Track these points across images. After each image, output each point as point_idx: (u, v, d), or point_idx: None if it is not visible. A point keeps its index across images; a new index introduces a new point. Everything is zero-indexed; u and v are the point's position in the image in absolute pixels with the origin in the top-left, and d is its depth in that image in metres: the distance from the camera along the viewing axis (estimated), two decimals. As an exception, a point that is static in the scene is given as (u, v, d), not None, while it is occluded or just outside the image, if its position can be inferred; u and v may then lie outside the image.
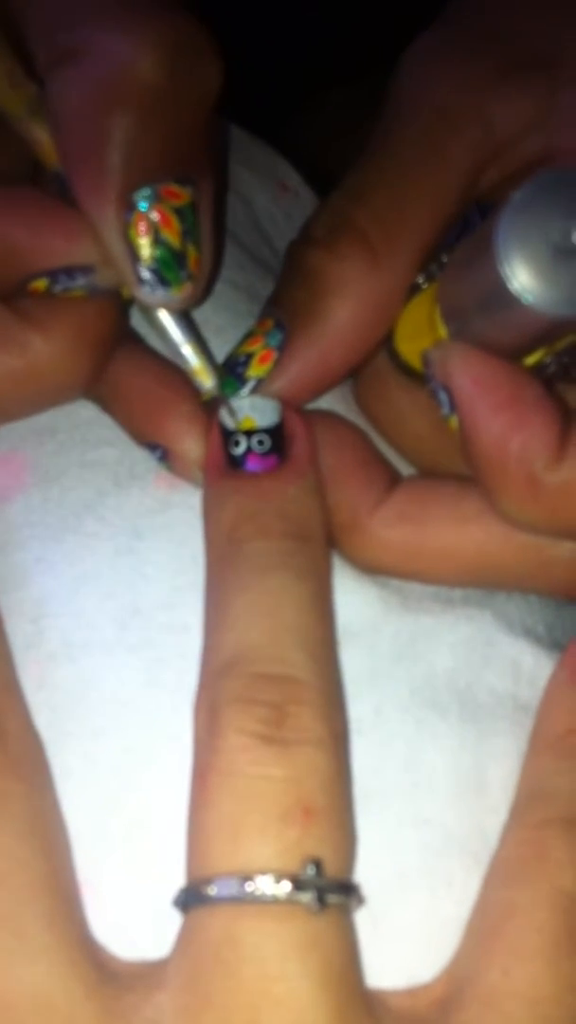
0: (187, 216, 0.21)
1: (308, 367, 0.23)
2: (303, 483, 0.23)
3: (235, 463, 0.23)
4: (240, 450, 0.23)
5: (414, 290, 0.23)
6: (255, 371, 0.23)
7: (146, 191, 0.20)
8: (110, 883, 0.21)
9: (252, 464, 0.23)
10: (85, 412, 0.25)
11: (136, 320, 0.25)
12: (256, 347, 0.24)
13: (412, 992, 0.20)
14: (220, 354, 0.25)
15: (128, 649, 0.22)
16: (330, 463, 0.23)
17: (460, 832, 0.22)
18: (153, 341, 0.25)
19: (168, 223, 0.21)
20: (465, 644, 0.24)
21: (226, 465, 0.23)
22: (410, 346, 0.24)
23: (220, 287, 0.27)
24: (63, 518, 0.24)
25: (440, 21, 0.24)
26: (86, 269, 0.21)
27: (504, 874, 0.21)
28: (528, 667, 0.24)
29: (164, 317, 0.23)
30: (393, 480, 0.23)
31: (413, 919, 0.21)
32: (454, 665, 0.23)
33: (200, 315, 0.26)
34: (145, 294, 0.21)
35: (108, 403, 0.24)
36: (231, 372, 0.24)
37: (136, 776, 0.21)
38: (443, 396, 0.22)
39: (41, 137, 0.22)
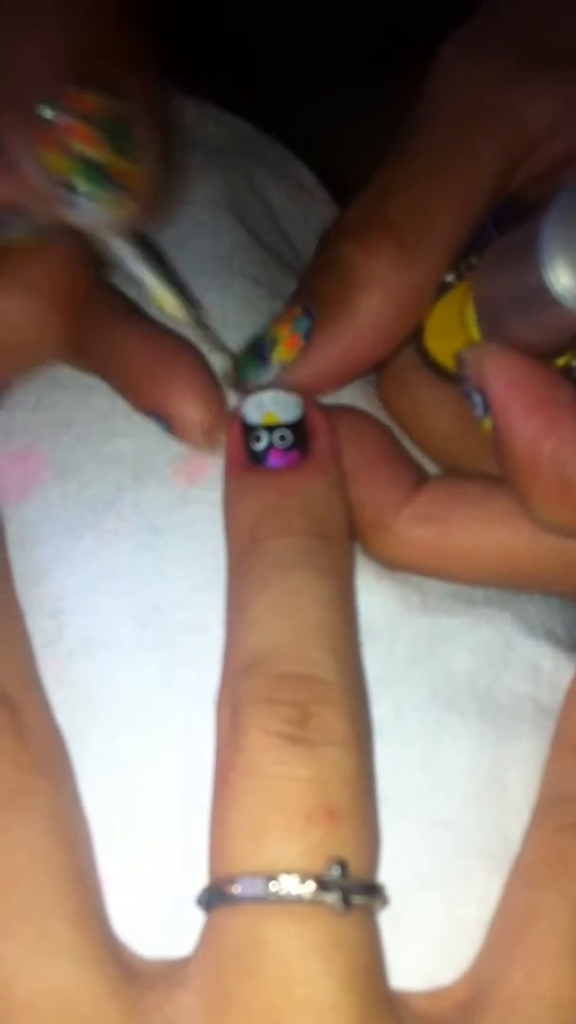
0: (116, 129, 0.20)
1: (333, 357, 0.23)
2: (325, 479, 0.23)
3: (256, 458, 0.23)
4: (262, 445, 0.23)
5: (443, 288, 0.23)
6: (280, 355, 0.23)
7: (46, 103, 0.19)
8: (127, 881, 0.21)
9: (274, 460, 0.23)
10: (99, 403, 0.24)
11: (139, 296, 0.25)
12: (283, 332, 0.23)
13: (434, 994, 0.20)
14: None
15: (146, 648, 0.22)
16: (355, 460, 0.23)
17: (480, 834, 0.22)
18: (153, 312, 0.24)
19: (82, 135, 0.20)
20: (485, 646, 0.23)
21: (247, 460, 0.23)
22: (440, 344, 0.24)
23: (240, 282, 0.27)
24: (81, 514, 0.23)
25: (472, 19, 0.24)
26: (18, 212, 0.21)
27: (526, 877, 0.21)
28: (548, 670, 0.24)
29: (115, 243, 0.21)
30: (419, 479, 0.23)
31: (433, 921, 0.21)
32: (474, 667, 0.23)
33: (220, 312, 0.26)
34: (70, 212, 0.20)
35: (107, 372, 0.24)
36: (257, 354, 0.23)
37: (153, 775, 0.21)
38: (476, 398, 0.21)
39: None
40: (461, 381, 0.22)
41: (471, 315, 0.23)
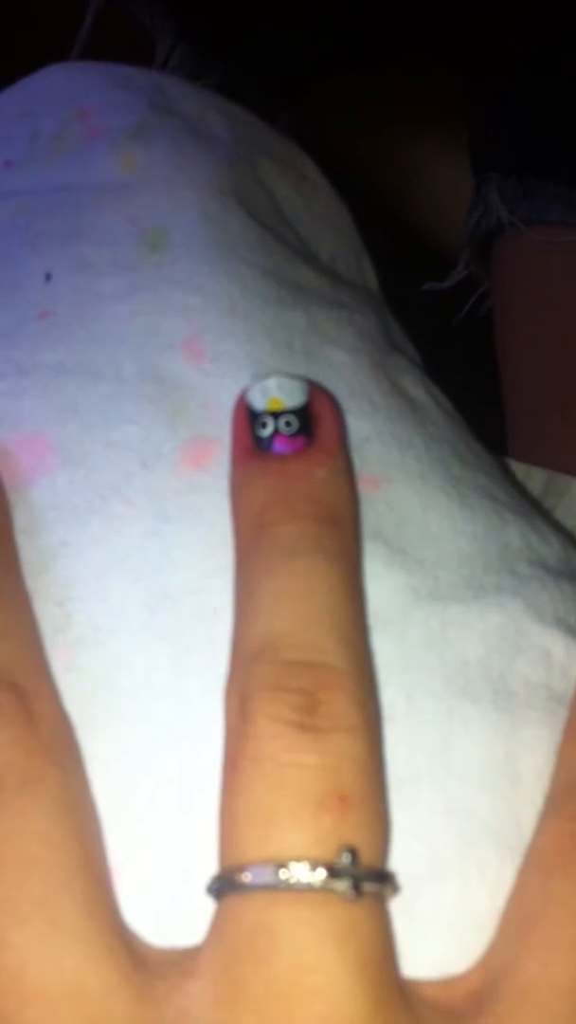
0: None
1: None
2: (332, 464, 0.23)
3: (262, 445, 0.23)
4: (267, 432, 0.23)
5: None
6: None
7: None
8: (137, 869, 0.20)
9: (280, 446, 0.22)
10: (106, 388, 0.24)
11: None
12: None
13: (447, 983, 0.20)
14: (251, 344, 0.25)
15: (156, 634, 0.22)
16: None
17: (493, 821, 0.21)
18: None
19: None
20: (496, 632, 0.23)
21: (253, 447, 0.23)
22: None
23: (248, 271, 0.27)
24: (89, 500, 0.23)
25: None
26: None
27: (540, 865, 0.20)
28: (560, 657, 0.23)
29: None
30: None
31: (446, 909, 0.21)
32: (486, 653, 0.23)
33: (228, 300, 0.26)
34: None
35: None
36: None
37: (164, 762, 0.21)
38: None
39: None
40: None
41: None
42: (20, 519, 0.23)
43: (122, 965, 0.18)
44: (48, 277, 0.26)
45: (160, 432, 0.24)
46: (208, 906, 0.19)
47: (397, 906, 0.20)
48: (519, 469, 0.35)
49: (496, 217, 0.50)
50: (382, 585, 0.23)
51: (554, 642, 0.24)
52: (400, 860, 0.20)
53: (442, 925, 0.20)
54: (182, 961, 0.19)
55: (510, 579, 0.24)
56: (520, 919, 0.20)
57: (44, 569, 0.23)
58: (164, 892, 0.20)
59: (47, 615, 0.22)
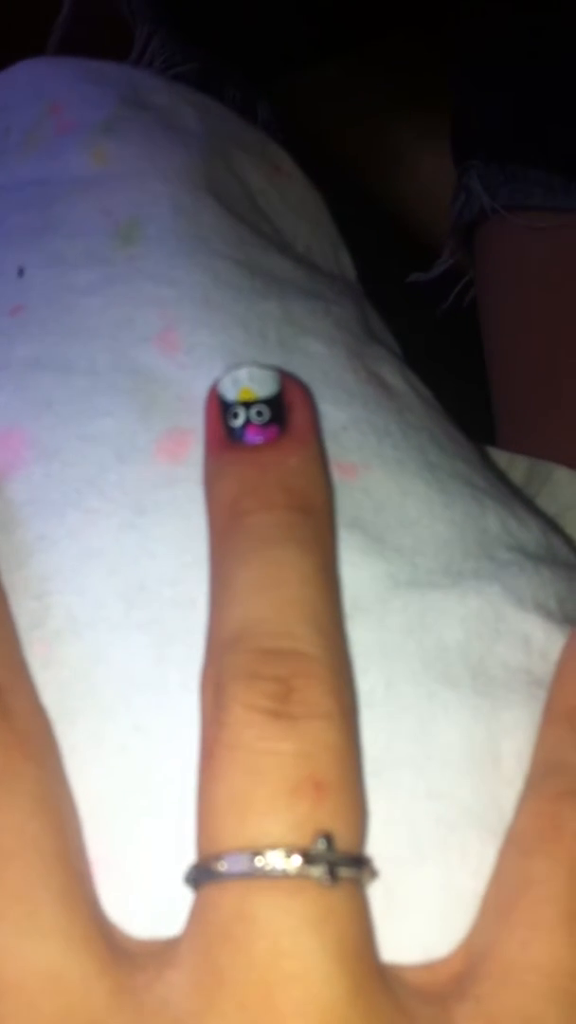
0: None
1: None
2: (305, 453, 0.23)
3: (235, 435, 0.23)
4: (239, 422, 0.23)
5: None
6: None
7: None
8: (119, 861, 0.20)
9: (252, 436, 0.22)
10: (81, 382, 0.24)
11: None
12: None
13: (429, 967, 0.20)
14: (225, 335, 0.25)
15: (135, 625, 0.22)
16: None
17: (474, 805, 0.21)
18: None
19: None
20: (475, 617, 0.23)
21: (226, 438, 0.23)
22: None
23: (221, 263, 0.27)
24: (65, 494, 0.23)
25: None
26: None
27: (520, 846, 0.20)
28: (539, 641, 0.24)
29: None
30: None
31: (428, 893, 0.21)
32: (465, 639, 0.23)
33: (201, 292, 0.26)
34: None
35: None
36: None
37: (145, 753, 0.21)
38: None
39: None
40: None
41: None
42: (-4, 514, 0.23)
43: (100, 956, 0.18)
44: (21, 272, 0.26)
45: (135, 424, 0.24)
46: (188, 896, 0.19)
47: (379, 891, 0.20)
48: (501, 457, 0.35)
49: (479, 204, 0.49)
50: (360, 573, 0.23)
51: (533, 627, 0.24)
52: (381, 845, 0.20)
53: (424, 909, 0.21)
54: (162, 951, 0.19)
55: (489, 565, 0.24)
56: (500, 900, 0.20)
57: (21, 564, 0.23)
58: (144, 884, 0.20)
59: (24, 609, 0.22)
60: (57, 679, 0.21)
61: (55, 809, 0.20)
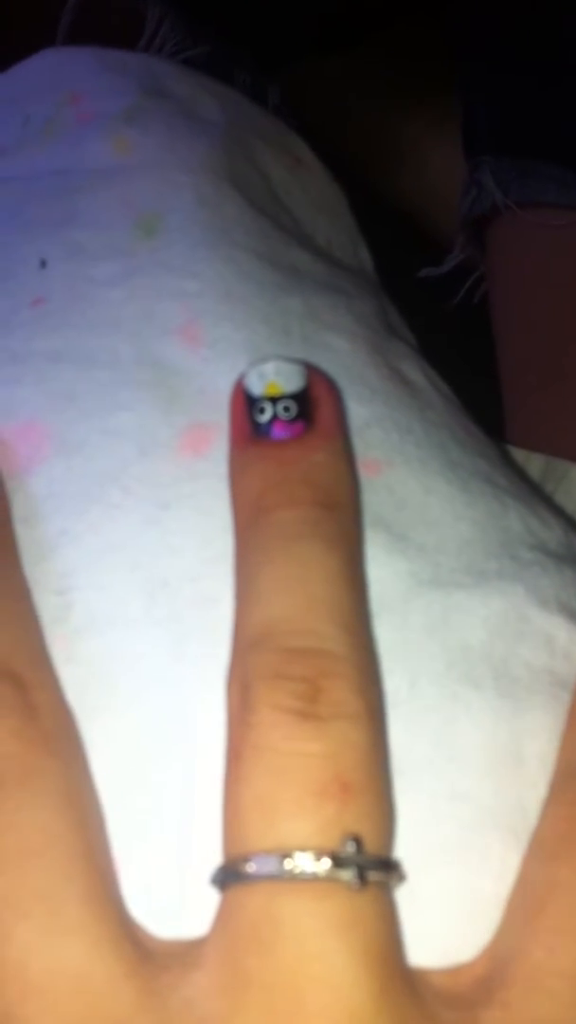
0: None
1: None
2: (331, 448, 0.22)
3: (261, 431, 0.22)
4: (266, 417, 0.22)
5: None
6: None
7: None
8: (138, 860, 0.20)
9: (278, 431, 0.22)
10: (101, 375, 0.24)
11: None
12: None
13: (453, 970, 0.20)
14: (248, 330, 0.24)
15: (156, 622, 0.22)
16: None
17: (497, 807, 0.21)
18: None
19: None
20: (498, 618, 0.23)
21: (251, 433, 0.22)
22: None
23: (243, 255, 0.27)
24: (86, 489, 0.23)
25: None
26: None
27: (545, 851, 0.20)
28: (563, 642, 0.23)
29: None
30: None
31: (450, 896, 0.20)
32: (488, 639, 0.23)
33: (224, 285, 0.26)
34: None
35: None
36: None
37: (164, 751, 0.21)
38: None
39: None
40: None
41: None
42: (18, 508, 0.23)
43: (126, 956, 0.18)
44: (43, 264, 0.26)
45: (157, 418, 0.24)
46: (211, 897, 0.19)
47: (402, 893, 0.20)
48: (518, 455, 0.35)
49: (491, 200, 0.49)
50: (383, 571, 0.23)
51: (557, 627, 0.23)
52: (404, 847, 0.20)
53: (447, 912, 0.20)
54: (186, 952, 0.19)
55: (511, 564, 0.24)
56: (526, 906, 0.20)
57: (43, 558, 0.22)
58: (169, 883, 0.20)
59: (46, 604, 0.22)
60: (78, 675, 0.21)
61: (80, 806, 0.19)
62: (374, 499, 0.24)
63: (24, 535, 0.23)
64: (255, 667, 0.20)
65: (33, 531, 0.23)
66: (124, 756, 0.21)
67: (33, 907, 0.18)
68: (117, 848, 0.20)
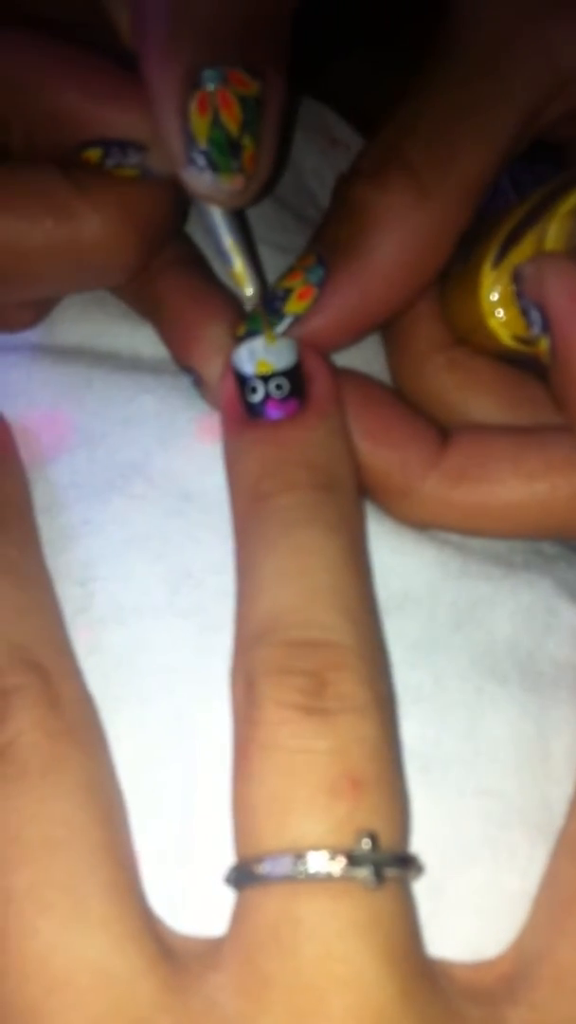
0: (250, 107, 0.20)
1: (348, 305, 0.22)
2: (327, 426, 0.22)
3: (254, 411, 0.22)
4: (258, 397, 0.22)
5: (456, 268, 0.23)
6: (293, 307, 0.22)
7: (214, 72, 0.20)
8: (159, 853, 0.20)
9: (272, 411, 0.22)
10: (119, 360, 0.24)
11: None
12: (296, 282, 0.23)
13: (478, 966, 0.19)
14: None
15: (179, 613, 0.22)
16: (370, 423, 0.22)
17: (523, 803, 0.21)
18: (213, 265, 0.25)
19: (230, 108, 0.20)
20: (525, 612, 0.23)
21: (244, 415, 0.22)
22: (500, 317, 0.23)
23: (265, 250, 0.27)
24: (110, 479, 0.23)
25: None
26: (139, 146, 0.21)
27: (572, 849, 0.20)
28: None
29: (215, 213, 0.22)
30: (440, 434, 0.22)
31: (476, 891, 0.20)
32: (514, 633, 0.23)
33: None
34: (191, 175, 0.20)
35: (152, 316, 0.24)
36: (268, 306, 0.23)
37: (186, 743, 0.21)
38: (535, 314, 0.21)
39: (120, 16, 0.22)
40: (519, 297, 0.21)
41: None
42: (40, 497, 0.23)
43: (148, 952, 0.18)
44: None
45: (176, 402, 0.23)
46: (228, 891, 0.19)
47: (427, 889, 0.19)
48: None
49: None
50: (410, 561, 0.23)
51: None
52: (429, 843, 0.20)
53: (474, 908, 0.20)
54: (205, 952, 0.19)
55: (537, 557, 0.24)
56: (553, 905, 0.19)
57: (65, 548, 0.22)
58: (183, 877, 0.20)
59: (69, 595, 0.22)
60: (101, 666, 0.21)
61: (103, 799, 0.19)
62: None
63: (46, 524, 0.22)
64: (259, 662, 0.19)
65: (55, 520, 0.22)
66: (150, 747, 0.21)
67: (56, 900, 0.18)
68: (141, 840, 0.20)
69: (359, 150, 0.23)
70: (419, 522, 0.23)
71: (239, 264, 0.22)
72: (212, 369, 0.22)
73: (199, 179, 0.20)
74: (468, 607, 0.22)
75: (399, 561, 0.22)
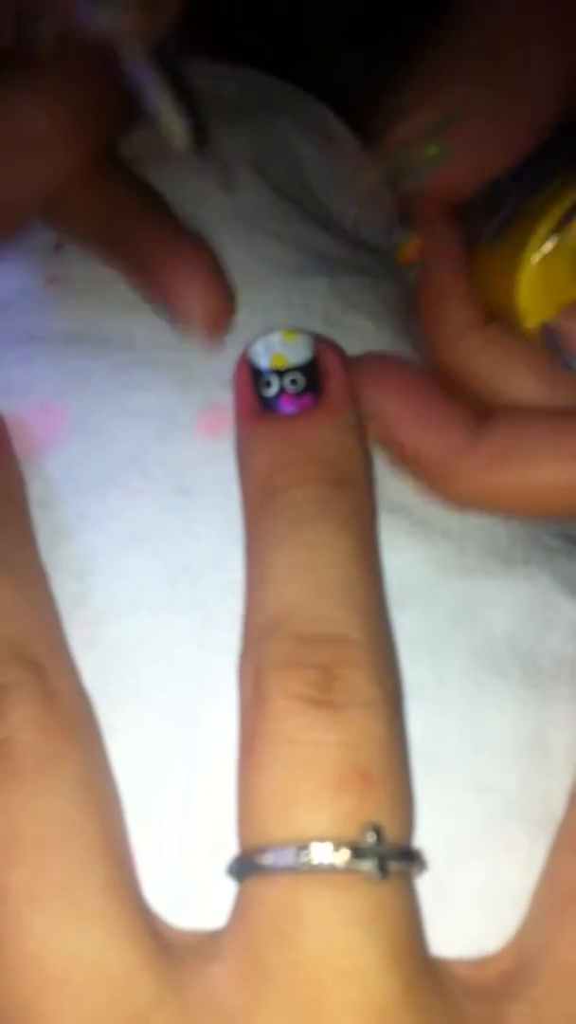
0: None
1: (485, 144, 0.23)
2: (341, 422, 0.22)
3: (268, 406, 0.22)
4: (272, 391, 0.22)
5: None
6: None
7: None
8: (157, 849, 0.20)
9: (286, 406, 0.22)
10: (117, 355, 0.24)
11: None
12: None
13: (478, 962, 0.19)
14: (265, 312, 0.24)
15: (178, 608, 0.21)
16: (407, 406, 0.22)
17: (523, 798, 0.21)
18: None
19: None
20: (525, 606, 0.23)
21: (258, 409, 0.22)
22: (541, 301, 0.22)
23: (263, 239, 0.26)
24: (106, 472, 0.23)
25: None
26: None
27: (571, 844, 0.20)
28: None
29: (132, 54, 0.21)
30: (478, 415, 0.22)
31: (476, 887, 0.20)
32: (515, 628, 0.22)
33: (242, 268, 0.26)
34: (87, 16, 0.20)
35: (113, 257, 0.23)
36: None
37: (185, 739, 0.21)
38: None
39: None
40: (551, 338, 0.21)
41: None
42: (35, 491, 0.23)
43: (145, 947, 0.18)
44: (58, 247, 0.26)
45: (175, 399, 0.23)
46: (227, 887, 0.19)
47: (427, 884, 0.19)
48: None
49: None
50: (407, 557, 0.22)
51: None
52: (429, 838, 0.20)
53: (474, 903, 0.20)
54: (203, 944, 0.18)
55: (538, 551, 0.24)
56: (553, 900, 0.19)
57: (61, 543, 0.22)
58: (181, 871, 0.20)
59: (65, 590, 0.21)
60: (98, 662, 0.21)
61: (98, 795, 0.19)
62: (395, 483, 0.23)
63: (42, 518, 0.22)
64: (268, 655, 0.19)
65: (51, 515, 0.22)
66: (148, 743, 0.20)
67: (52, 897, 0.18)
68: (139, 836, 0.20)
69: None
70: (458, 504, 0.22)
71: (165, 108, 0.22)
72: (189, 299, 0.22)
73: (95, 20, 0.20)
74: (467, 603, 0.22)
75: (395, 557, 0.22)
